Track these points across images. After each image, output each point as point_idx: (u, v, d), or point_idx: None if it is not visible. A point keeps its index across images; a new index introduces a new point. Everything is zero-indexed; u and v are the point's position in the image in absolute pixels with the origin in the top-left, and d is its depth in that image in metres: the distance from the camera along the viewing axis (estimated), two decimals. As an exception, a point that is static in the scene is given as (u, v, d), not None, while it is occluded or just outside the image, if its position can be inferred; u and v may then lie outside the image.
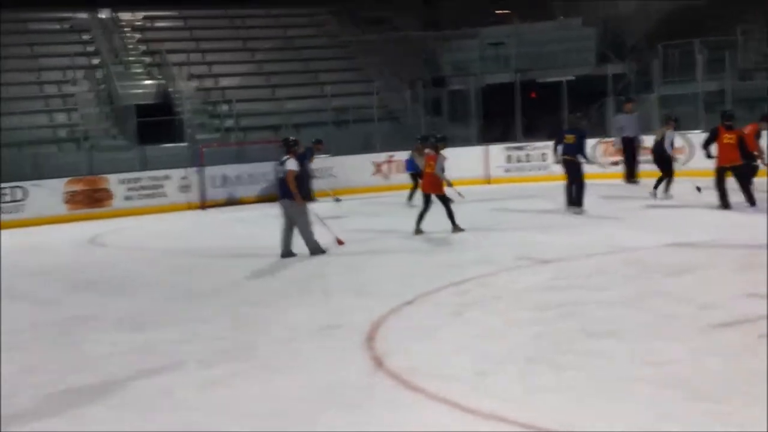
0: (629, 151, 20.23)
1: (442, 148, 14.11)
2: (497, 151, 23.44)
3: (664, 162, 17.18)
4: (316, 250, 12.64)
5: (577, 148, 15.77)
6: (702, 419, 5.35)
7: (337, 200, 19.54)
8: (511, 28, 29.87)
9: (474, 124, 25.27)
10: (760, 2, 25.97)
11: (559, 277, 10.05)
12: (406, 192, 18.63)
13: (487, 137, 25.24)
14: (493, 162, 23.23)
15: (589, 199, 15.98)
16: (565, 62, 26.76)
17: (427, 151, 14.46)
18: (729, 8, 27.36)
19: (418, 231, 13.92)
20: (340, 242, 13.14)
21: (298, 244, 12.70)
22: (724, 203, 14.77)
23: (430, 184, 14.08)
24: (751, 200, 14.72)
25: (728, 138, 14.95)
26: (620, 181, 20.09)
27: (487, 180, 23.14)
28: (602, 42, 28.89)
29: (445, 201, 13.98)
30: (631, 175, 20.22)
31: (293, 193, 12.47)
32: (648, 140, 18.84)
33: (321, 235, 12.95)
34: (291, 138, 13.33)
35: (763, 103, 21.41)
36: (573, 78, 25.57)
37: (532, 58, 28.14)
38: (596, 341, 7.18)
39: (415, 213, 14.36)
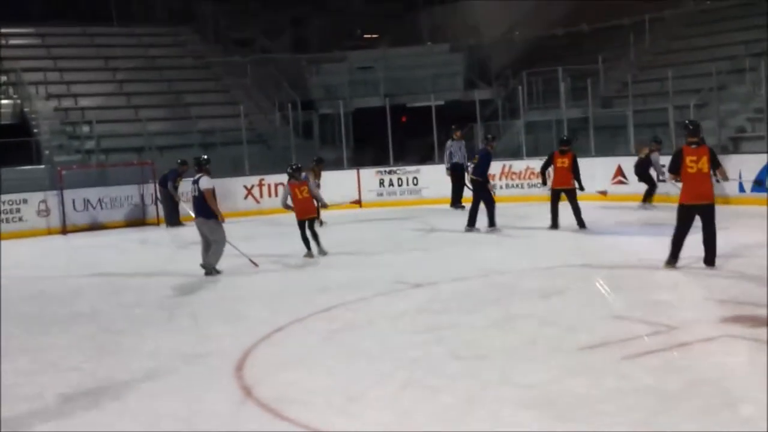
0: (456, 177, 20.67)
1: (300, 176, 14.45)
2: (369, 174, 23.45)
3: (647, 178, 18.17)
4: (210, 270, 12.63)
5: (479, 169, 16.08)
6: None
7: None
8: (379, 53, 30.08)
9: (345, 148, 25.22)
10: (618, 34, 27.05)
11: (431, 300, 10.03)
12: (278, 216, 18.32)
13: (358, 161, 25.24)
14: (365, 185, 23.22)
15: (462, 222, 16.14)
16: (434, 87, 27.08)
17: (294, 180, 14.35)
18: (589, 39, 28.39)
19: (309, 254, 13.93)
20: (254, 264, 13.08)
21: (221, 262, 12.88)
22: (554, 224, 15.49)
23: (307, 210, 14.24)
24: (580, 223, 15.30)
25: (561, 162, 15.68)
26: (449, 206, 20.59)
27: (359, 203, 23.10)
28: (469, 68, 29.45)
29: (312, 225, 14.22)
30: (457, 201, 20.64)
31: (213, 210, 12.62)
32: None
33: (273, 256, 13.41)
34: (202, 157, 13.40)
35: (622, 129, 22.23)
36: (442, 103, 25.90)
37: (401, 82, 28.40)
38: (466, 364, 7.20)
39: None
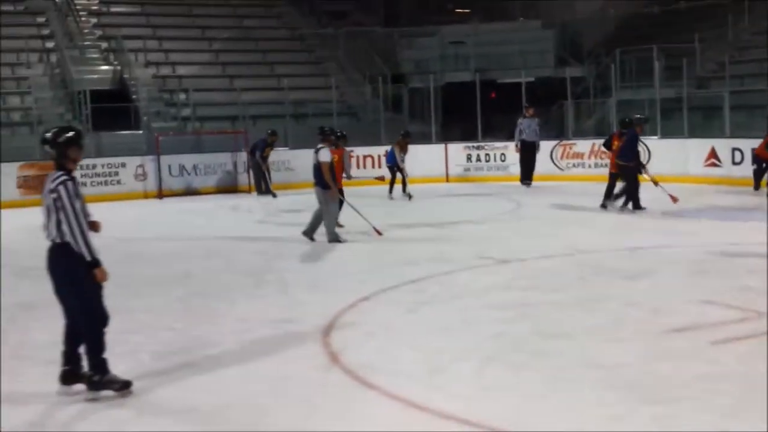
0: (526, 154, 20.73)
1: (344, 144, 14.32)
2: (457, 149, 23.46)
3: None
4: (334, 239, 12.84)
5: (623, 151, 15.17)
6: (648, 422, 5.38)
7: (274, 196, 19.90)
8: (471, 28, 29.91)
9: (434, 122, 25.25)
10: (716, 12, 26.32)
11: (517, 277, 10.06)
12: (364, 188, 18.47)
13: (446, 136, 25.25)
14: (452, 160, 23.25)
15: (549, 199, 16.03)
16: (525, 64, 26.84)
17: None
18: (685, 17, 27.69)
19: (338, 224, 13.95)
20: (378, 233, 13.28)
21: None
22: (603, 204, 15.51)
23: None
24: (625, 203, 15.32)
25: (617, 144, 15.38)
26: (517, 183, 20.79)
27: (446, 178, 23.17)
28: (561, 45, 29.07)
29: (341, 197, 14.09)
30: (526, 177, 20.64)
31: (326, 181, 12.74)
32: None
33: (359, 227, 13.44)
34: (326, 127, 13.51)
35: (717, 111, 21.67)
36: (533, 80, 25.69)
37: (491, 58, 28.23)
38: (550, 342, 7.19)
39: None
